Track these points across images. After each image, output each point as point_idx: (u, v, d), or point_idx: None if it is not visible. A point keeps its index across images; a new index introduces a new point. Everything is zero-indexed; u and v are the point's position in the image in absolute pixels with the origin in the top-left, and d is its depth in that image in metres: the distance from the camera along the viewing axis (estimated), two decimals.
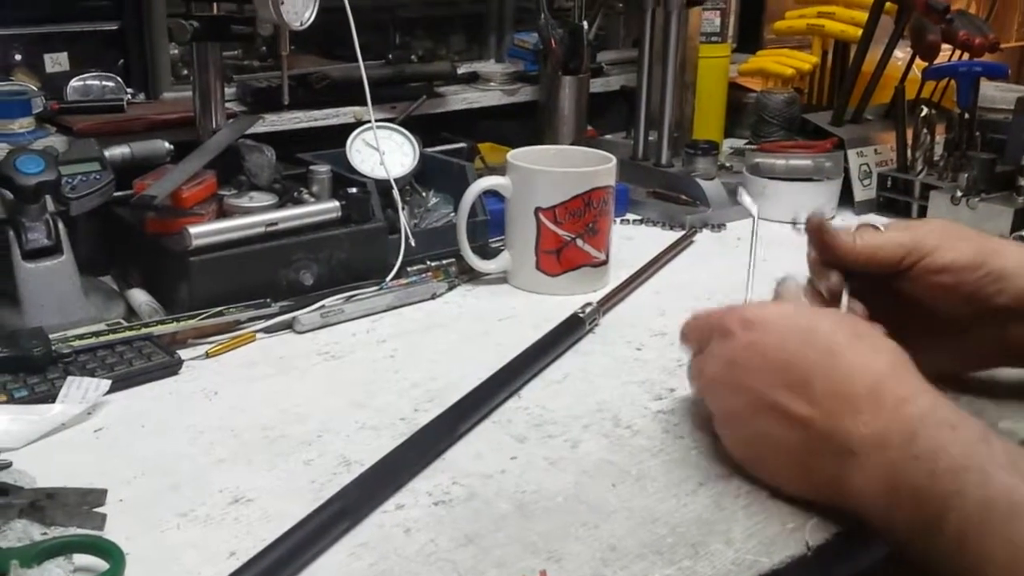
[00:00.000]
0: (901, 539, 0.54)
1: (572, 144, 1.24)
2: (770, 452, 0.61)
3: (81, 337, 0.78)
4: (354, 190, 0.94)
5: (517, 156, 0.97)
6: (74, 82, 1.08)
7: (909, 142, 1.20)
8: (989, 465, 0.51)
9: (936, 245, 0.68)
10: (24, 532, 0.55)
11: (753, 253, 0.80)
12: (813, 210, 0.72)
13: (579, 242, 0.95)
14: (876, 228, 0.71)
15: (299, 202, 0.95)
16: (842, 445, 0.56)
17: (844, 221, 1.19)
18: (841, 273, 0.70)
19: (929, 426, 0.54)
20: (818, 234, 0.70)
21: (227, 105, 1.04)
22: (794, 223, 0.74)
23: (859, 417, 0.56)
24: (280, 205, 0.94)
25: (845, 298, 0.69)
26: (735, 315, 0.64)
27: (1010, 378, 0.76)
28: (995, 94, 1.32)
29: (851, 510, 0.57)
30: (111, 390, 0.72)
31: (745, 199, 0.86)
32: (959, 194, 1.13)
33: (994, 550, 0.49)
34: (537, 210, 0.94)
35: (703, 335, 0.67)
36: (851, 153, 1.24)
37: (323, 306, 0.88)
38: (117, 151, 0.95)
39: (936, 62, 1.29)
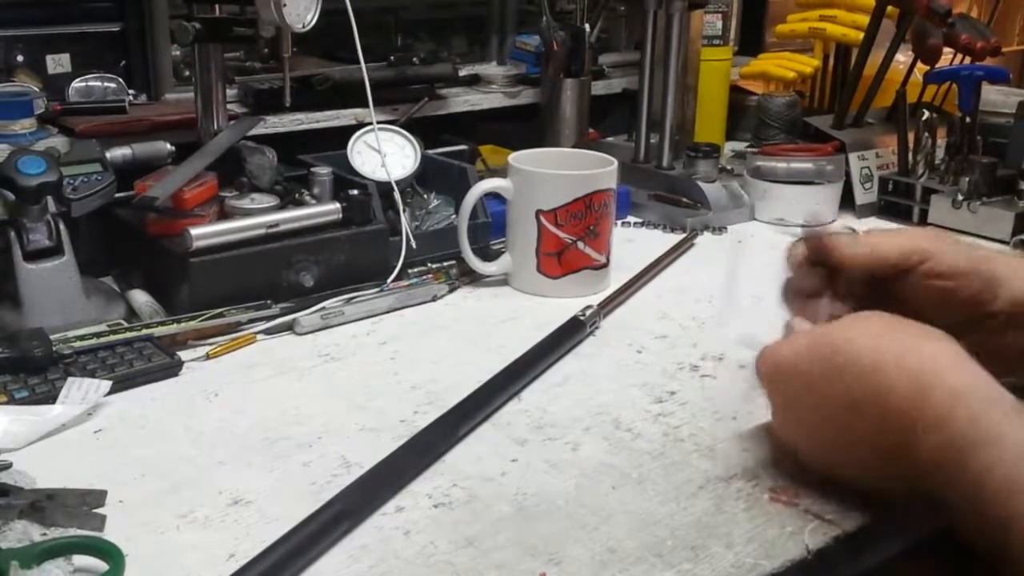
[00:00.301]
0: (982, 554, 0.54)
1: (573, 147, 1.24)
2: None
3: (82, 338, 0.78)
4: (355, 192, 0.94)
5: (518, 158, 0.98)
6: (76, 83, 1.08)
7: (910, 146, 1.20)
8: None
9: (936, 249, 0.68)
10: (24, 533, 0.55)
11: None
12: (810, 215, 0.72)
13: (580, 244, 0.95)
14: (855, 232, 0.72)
15: (300, 204, 0.95)
16: (908, 477, 0.56)
17: (845, 225, 1.19)
18: (824, 273, 0.70)
19: (975, 445, 0.53)
20: (817, 243, 0.70)
21: (229, 107, 1.04)
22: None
23: (907, 444, 0.55)
24: (281, 207, 0.94)
25: (826, 300, 0.69)
26: (764, 369, 0.65)
27: None
28: (997, 98, 1.32)
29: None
30: (111, 391, 0.72)
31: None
32: (960, 198, 1.13)
33: None
34: (538, 212, 0.94)
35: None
36: (852, 156, 1.23)
37: (324, 308, 0.88)
38: (119, 152, 0.95)
39: (938, 66, 1.29)
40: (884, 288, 0.70)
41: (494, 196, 0.98)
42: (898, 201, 1.21)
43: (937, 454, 0.54)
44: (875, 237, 0.70)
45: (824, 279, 0.70)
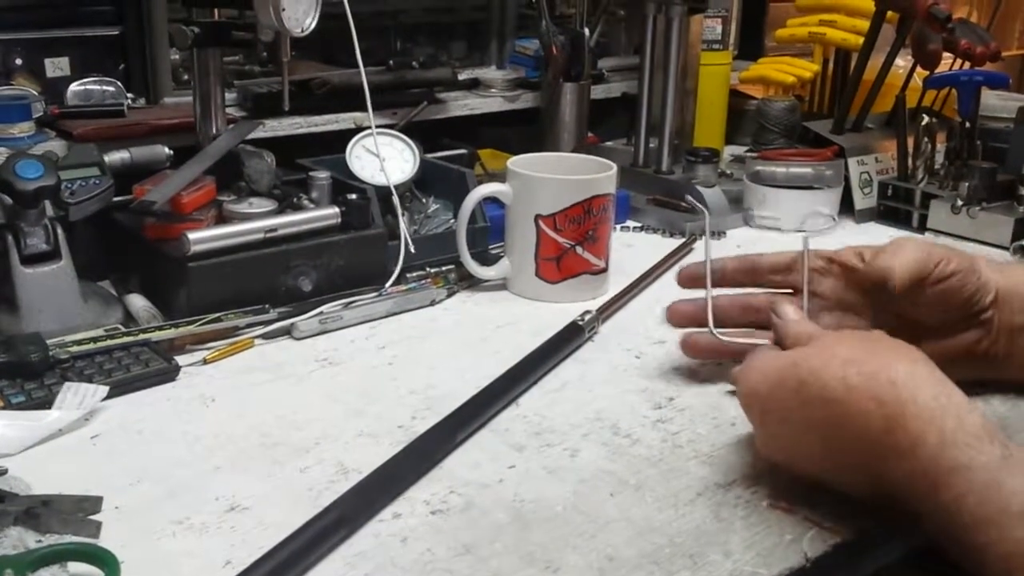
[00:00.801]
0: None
1: (573, 151, 1.24)
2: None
3: (79, 343, 0.78)
4: (354, 196, 0.94)
5: (517, 163, 0.97)
6: (74, 87, 1.08)
7: (910, 151, 1.20)
8: (1003, 516, 0.51)
9: (943, 251, 0.70)
10: (19, 539, 0.55)
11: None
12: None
13: (579, 249, 0.95)
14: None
15: (299, 208, 0.95)
16: (892, 502, 0.57)
17: (844, 229, 1.19)
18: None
19: (946, 473, 0.53)
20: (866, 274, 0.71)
21: (227, 110, 1.04)
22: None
23: (885, 471, 0.56)
24: (280, 211, 0.94)
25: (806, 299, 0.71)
26: (740, 391, 0.65)
27: None
28: (996, 103, 1.32)
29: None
30: (108, 396, 0.72)
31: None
32: (960, 203, 1.13)
33: None
34: (537, 217, 0.94)
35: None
36: (852, 161, 1.23)
37: (322, 312, 0.88)
38: (117, 156, 0.95)
39: (937, 71, 1.29)
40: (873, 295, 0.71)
41: (493, 200, 0.97)
42: (897, 206, 1.21)
43: (910, 482, 0.55)
44: (891, 256, 0.70)
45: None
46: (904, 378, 0.56)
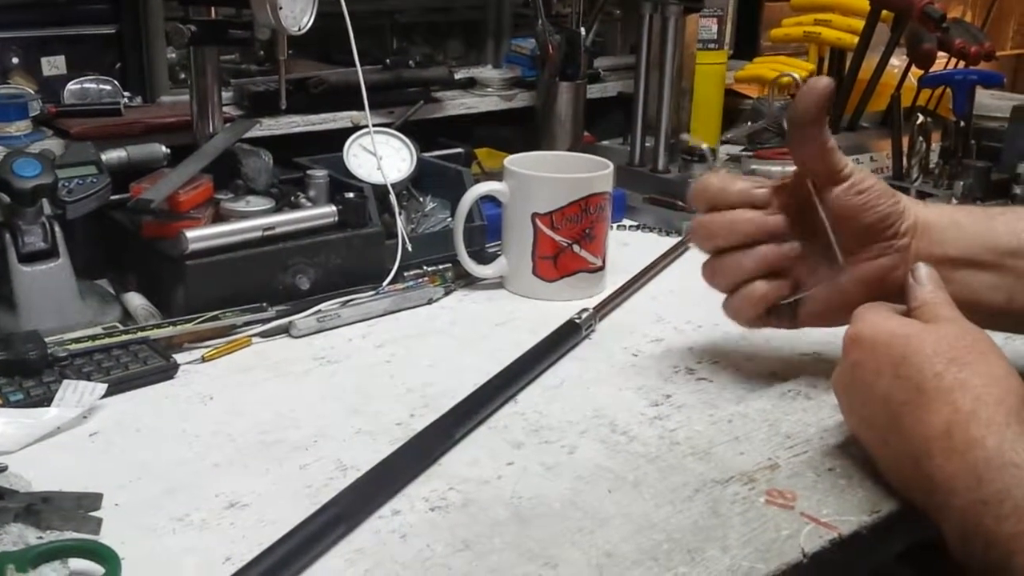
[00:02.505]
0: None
1: (569, 150, 1.24)
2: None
3: (77, 341, 0.78)
4: (351, 195, 0.94)
5: (514, 162, 0.98)
6: (71, 85, 1.08)
7: (905, 150, 1.21)
8: None
9: (862, 170, 0.72)
10: (19, 536, 0.55)
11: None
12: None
13: (576, 248, 0.95)
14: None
15: (296, 206, 0.95)
16: (925, 487, 0.57)
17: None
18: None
19: (993, 469, 0.53)
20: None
21: (224, 109, 1.04)
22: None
23: (932, 462, 0.56)
24: (277, 209, 0.94)
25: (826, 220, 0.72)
26: (849, 331, 0.66)
27: None
28: (991, 102, 1.32)
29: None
30: (107, 394, 0.72)
31: None
32: (955, 202, 1.14)
33: None
34: (534, 216, 0.94)
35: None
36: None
37: (319, 311, 0.88)
38: (114, 155, 0.95)
39: (932, 70, 1.29)
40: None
41: (490, 199, 0.98)
42: None
43: (953, 477, 0.55)
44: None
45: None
46: (990, 400, 0.57)
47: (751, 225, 0.74)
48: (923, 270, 0.67)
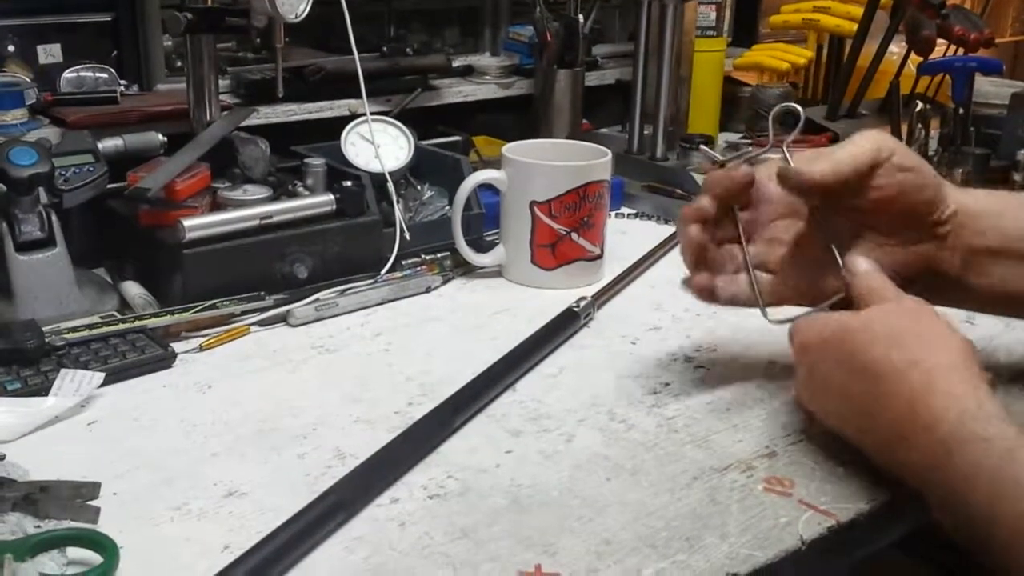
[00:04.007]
0: (964, 547, 0.55)
1: (567, 138, 1.24)
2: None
3: (74, 330, 0.78)
4: (349, 183, 0.94)
5: (512, 150, 0.97)
6: (67, 74, 1.07)
7: (904, 137, 1.20)
8: (1017, 487, 0.52)
9: (895, 144, 0.68)
10: (17, 525, 0.55)
11: None
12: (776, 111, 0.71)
13: (574, 236, 0.95)
14: (785, 161, 0.69)
15: (293, 195, 0.95)
16: (908, 466, 0.58)
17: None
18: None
19: (961, 442, 0.55)
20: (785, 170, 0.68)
21: (221, 97, 1.03)
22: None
23: (907, 441, 0.58)
24: (274, 198, 0.94)
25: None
26: (795, 342, 0.67)
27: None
28: (990, 89, 1.32)
29: None
30: (104, 383, 0.72)
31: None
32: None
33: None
34: (532, 204, 0.94)
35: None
36: None
37: (317, 299, 0.88)
38: (110, 143, 0.94)
39: (931, 57, 1.29)
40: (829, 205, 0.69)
41: (488, 187, 0.97)
42: None
43: (927, 452, 0.56)
44: (826, 153, 0.68)
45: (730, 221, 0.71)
46: (941, 369, 0.58)
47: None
48: (855, 263, 0.67)
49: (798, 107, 0.74)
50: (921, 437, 0.57)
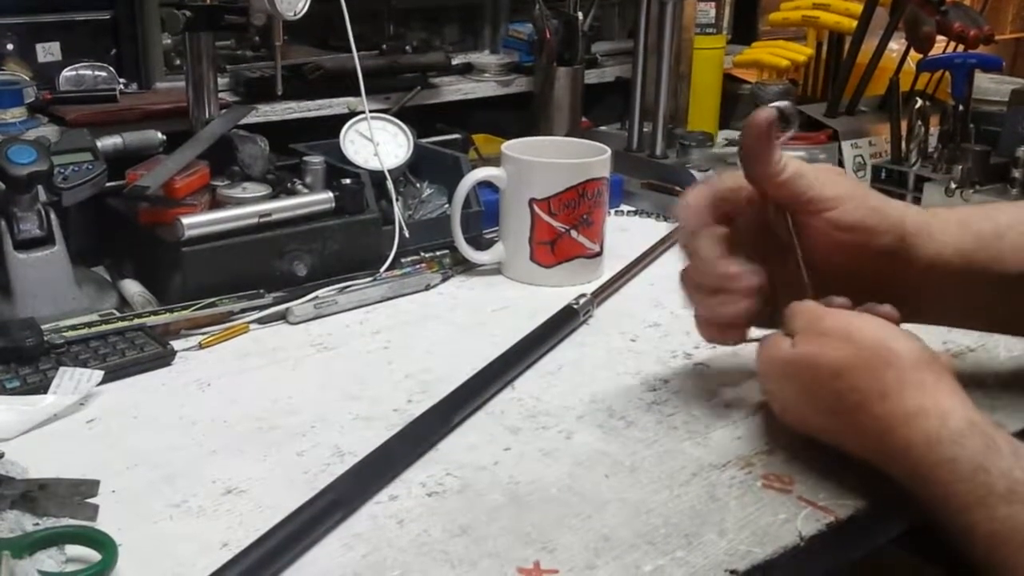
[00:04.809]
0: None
1: (567, 135, 1.24)
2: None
3: (73, 328, 0.78)
4: (348, 181, 0.94)
5: (512, 147, 0.97)
6: (66, 72, 1.08)
7: (903, 134, 1.20)
8: (990, 498, 0.53)
9: (839, 199, 0.65)
10: (16, 523, 0.55)
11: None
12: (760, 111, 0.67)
13: (573, 233, 0.95)
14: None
15: (292, 193, 0.95)
16: (893, 459, 0.59)
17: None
18: (784, 214, 0.68)
19: (938, 442, 0.56)
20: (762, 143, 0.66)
21: (220, 95, 1.03)
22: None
23: (895, 434, 0.58)
24: (273, 196, 0.94)
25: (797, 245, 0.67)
26: (762, 369, 0.67)
27: (1003, 369, 0.77)
28: (990, 86, 1.32)
29: None
30: (103, 381, 0.72)
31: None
32: (953, 186, 1.13)
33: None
34: (531, 201, 0.94)
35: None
36: (845, 145, 1.23)
37: (316, 297, 0.88)
38: (109, 141, 0.94)
39: (931, 54, 1.29)
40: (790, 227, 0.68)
41: (487, 185, 0.97)
42: (891, 189, 1.21)
43: (907, 478, 0.58)
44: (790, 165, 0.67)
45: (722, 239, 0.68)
46: (892, 387, 0.58)
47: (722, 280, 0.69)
48: (791, 310, 0.66)
49: (787, 104, 0.71)
50: (898, 464, 0.58)
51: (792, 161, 0.66)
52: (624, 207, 1.20)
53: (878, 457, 0.59)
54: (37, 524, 0.55)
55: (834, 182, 0.67)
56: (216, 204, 0.93)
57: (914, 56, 1.31)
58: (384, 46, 1.28)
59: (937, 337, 0.82)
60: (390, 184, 0.97)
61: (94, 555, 0.53)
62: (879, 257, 0.66)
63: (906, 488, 0.58)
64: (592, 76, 1.40)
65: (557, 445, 0.67)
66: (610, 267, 0.98)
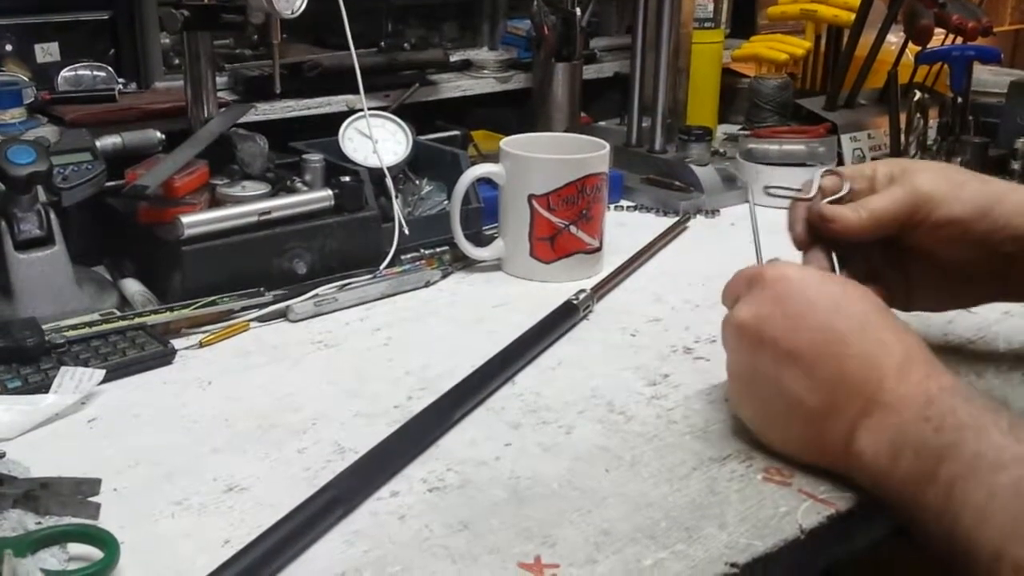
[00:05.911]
0: (894, 494, 0.56)
1: (566, 131, 1.24)
2: (781, 410, 0.62)
3: (74, 327, 0.78)
4: (347, 178, 0.94)
5: (510, 143, 0.97)
6: (65, 72, 1.08)
7: (902, 127, 1.20)
8: (990, 425, 0.53)
9: (940, 197, 0.69)
10: (18, 522, 0.55)
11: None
12: (805, 183, 0.73)
13: (573, 229, 0.95)
14: (837, 174, 0.73)
15: (292, 191, 0.95)
16: (861, 409, 0.58)
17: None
18: (828, 249, 0.71)
19: (946, 396, 0.55)
20: (820, 220, 0.70)
21: (219, 94, 1.03)
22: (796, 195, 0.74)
23: (884, 383, 0.57)
24: (273, 194, 0.94)
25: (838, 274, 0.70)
26: (774, 268, 0.64)
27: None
28: (988, 78, 1.32)
29: (847, 470, 0.59)
30: (105, 380, 0.72)
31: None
32: None
33: (975, 496, 0.51)
34: (531, 197, 0.94)
35: (738, 288, 0.66)
36: (845, 138, 1.24)
37: (317, 295, 0.88)
38: (109, 141, 0.95)
39: (929, 46, 1.29)
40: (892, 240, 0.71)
41: (486, 181, 0.97)
42: None
43: (901, 399, 0.57)
44: (872, 199, 0.70)
45: (828, 253, 0.71)
46: (837, 360, 0.59)
47: None
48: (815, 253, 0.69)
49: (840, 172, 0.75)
50: (907, 383, 0.57)
51: (866, 202, 0.69)
52: (623, 202, 1.20)
53: (879, 385, 0.58)
54: (39, 523, 0.56)
55: (911, 188, 0.69)
56: (215, 203, 0.93)
57: (912, 49, 1.31)
58: (382, 43, 1.28)
59: (938, 329, 0.83)
60: (389, 181, 0.97)
61: (96, 553, 0.53)
62: (979, 243, 0.69)
63: (869, 419, 0.57)
64: (591, 71, 1.41)
65: (557, 440, 0.67)
66: (610, 262, 0.98)
